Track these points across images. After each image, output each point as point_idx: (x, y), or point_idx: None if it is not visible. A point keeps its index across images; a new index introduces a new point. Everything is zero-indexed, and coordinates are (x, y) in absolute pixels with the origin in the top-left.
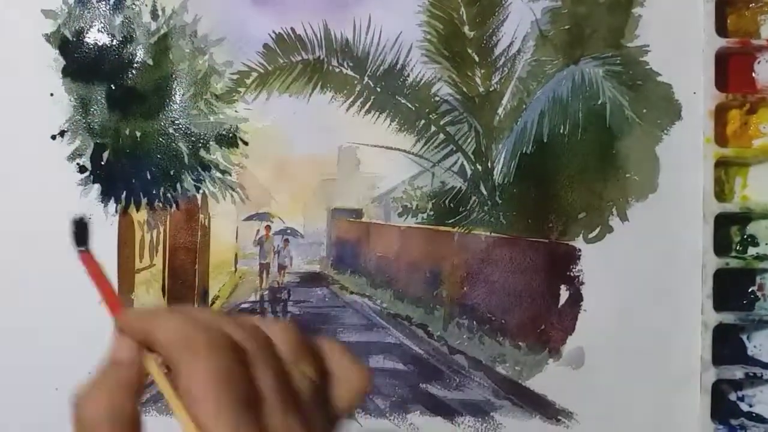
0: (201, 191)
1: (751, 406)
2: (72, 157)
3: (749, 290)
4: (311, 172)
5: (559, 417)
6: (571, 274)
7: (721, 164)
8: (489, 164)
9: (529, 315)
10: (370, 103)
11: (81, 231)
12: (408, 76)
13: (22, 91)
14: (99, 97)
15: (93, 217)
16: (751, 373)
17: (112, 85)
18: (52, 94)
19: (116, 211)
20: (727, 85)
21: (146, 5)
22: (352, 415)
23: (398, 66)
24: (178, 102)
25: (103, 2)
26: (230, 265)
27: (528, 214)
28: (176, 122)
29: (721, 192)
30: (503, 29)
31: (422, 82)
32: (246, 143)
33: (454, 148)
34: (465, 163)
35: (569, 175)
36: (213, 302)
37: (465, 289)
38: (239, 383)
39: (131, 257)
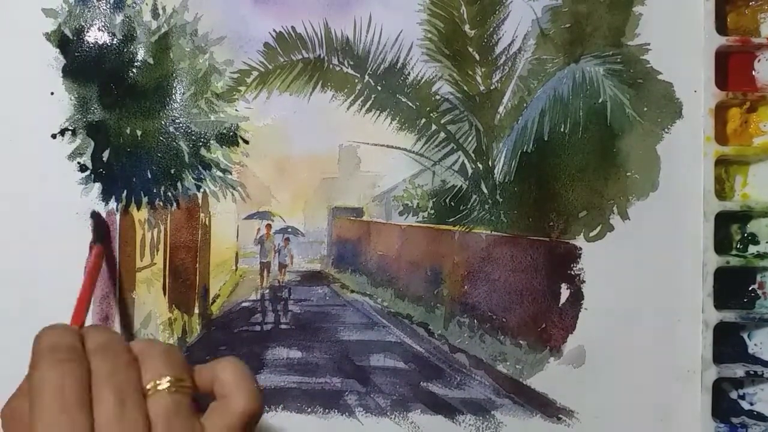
0: (202, 190)
1: (752, 404)
2: (72, 156)
3: (750, 288)
4: (312, 170)
5: (560, 415)
6: (572, 273)
7: (722, 162)
8: (490, 163)
9: (529, 313)
10: (370, 102)
11: (99, 227)
12: (408, 74)
13: (22, 90)
14: (99, 96)
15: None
16: (751, 372)
17: (112, 84)
18: (52, 93)
19: (117, 210)
20: (727, 84)
21: (147, 4)
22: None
23: (399, 65)
24: (178, 101)
25: (104, 1)
26: (231, 264)
27: (529, 213)
28: (177, 121)
29: (722, 190)
30: (504, 28)
31: (423, 80)
32: (247, 142)
33: (455, 147)
34: (466, 161)
35: (570, 173)
36: (214, 301)
37: (466, 287)
38: (68, 397)
39: (132, 256)
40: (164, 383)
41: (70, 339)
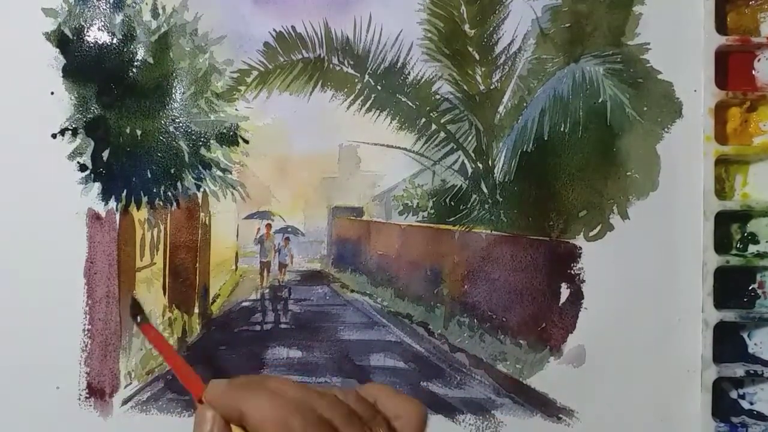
0: (201, 189)
1: (752, 404)
2: (72, 156)
3: (750, 288)
4: (312, 170)
5: (560, 415)
6: (572, 272)
7: (722, 162)
8: (490, 162)
9: (530, 313)
10: (370, 102)
11: (135, 306)
12: (408, 74)
13: (23, 90)
14: (99, 96)
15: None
16: (751, 371)
17: (112, 84)
18: (52, 93)
19: (117, 210)
20: (727, 83)
21: (147, 3)
22: None
23: (399, 64)
24: (178, 100)
25: (104, 1)
26: (231, 264)
27: (529, 212)
28: (177, 121)
29: (722, 190)
30: (504, 27)
31: (423, 80)
32: (246, 141)
33: (455, 147)
34: (466, 161)
35: (570, 173)
36: (214, 300)
37: (466, 287)
38: None
39: (132, 256)
40: (377, 425)
41: (292, 394)
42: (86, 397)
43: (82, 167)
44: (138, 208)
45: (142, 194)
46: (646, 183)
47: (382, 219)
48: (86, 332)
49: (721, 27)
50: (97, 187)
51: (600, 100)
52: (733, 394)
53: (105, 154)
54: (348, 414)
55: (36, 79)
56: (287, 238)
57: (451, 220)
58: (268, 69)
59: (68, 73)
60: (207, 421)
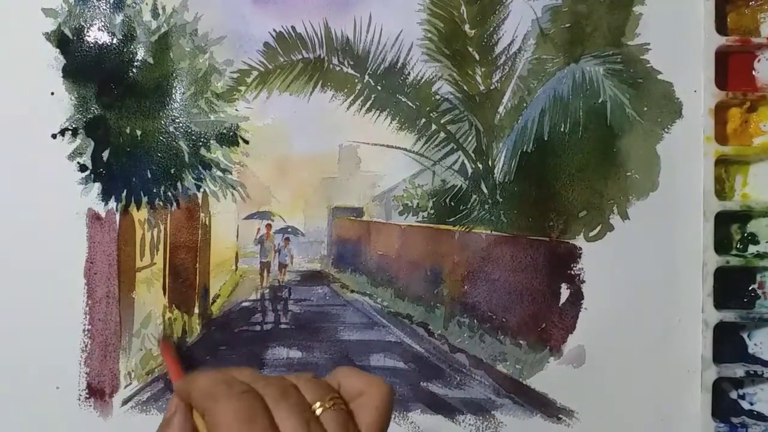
0: (201, 190)
1: (752, 404)
2: (72, 156)
3: (750, 288)
4: (312, 170)
5: (560, 415)
6: (572, 273)
7: (722, 162)
8: (490, 163)
9: (529, 313)
10: (370, 102)
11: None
12: (408, 74)
13: (23, 90)
14: (99, 96)
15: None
16: (751, 371)
17: (112, 84)
18: (52, 93)
19: (117, 210)
20: (727, 83)
21: (147, 4)
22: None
23: (399, 64)
24: (178, 100)
25: (104, 1)
26: (231, 264)
27: (529, 213)
28: (177, 121)
29: (722, 190)
30: (504, 27)
31: (423, 80)
32: (246, 142)
33: (455, 147)
34: (466, 161)
35: (570, 173)
36: (214, 301)
37: (466, 287)
38: (257, 422)
39: (132, 256)
40: (328, 402)
41: (235, 375)
42: (86, 398)
43: (82, 167)
44: (138, 209)
45: (142, 194)
46: (646, 183)
47: (382, 219)
48: (86, 332)
49: (721, 27)
50: (97, 187)
51: (600, 101)
52: (733, 395)
53: (105, 155)
54: (284, 392)
55: (36, 79)
56: (287, 239)
57: (451, 220)
58: (268, 69)
59: (68, 73)
60: (170, 408)
